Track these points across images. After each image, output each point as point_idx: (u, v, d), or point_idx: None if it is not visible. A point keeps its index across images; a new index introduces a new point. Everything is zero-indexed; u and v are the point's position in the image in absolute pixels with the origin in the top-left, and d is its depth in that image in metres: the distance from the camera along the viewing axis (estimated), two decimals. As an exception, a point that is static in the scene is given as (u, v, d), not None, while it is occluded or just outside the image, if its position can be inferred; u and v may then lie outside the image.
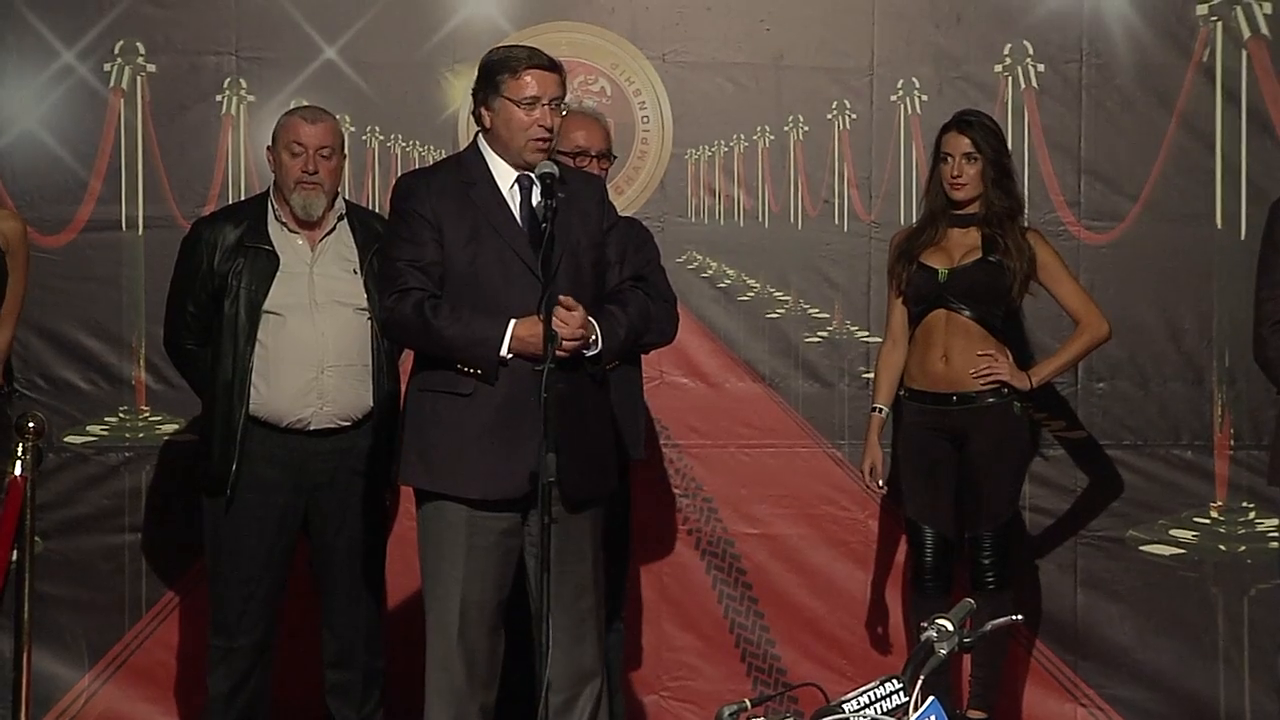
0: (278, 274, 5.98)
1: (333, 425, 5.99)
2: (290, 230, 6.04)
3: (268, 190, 6.15)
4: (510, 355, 5.13)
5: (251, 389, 5.95)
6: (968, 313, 6.35)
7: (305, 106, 6.33)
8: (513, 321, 5.13)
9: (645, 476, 6.84)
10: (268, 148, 6.11)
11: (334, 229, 6.08)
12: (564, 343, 5.06)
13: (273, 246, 6.01)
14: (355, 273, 6.04)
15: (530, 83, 5.21)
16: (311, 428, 5.97)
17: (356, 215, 6.18)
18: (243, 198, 6.74)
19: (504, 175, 5.29)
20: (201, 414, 6.18)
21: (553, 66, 5.27)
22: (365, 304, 5.99)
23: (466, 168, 5.32)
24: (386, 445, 5.92)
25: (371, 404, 6.04)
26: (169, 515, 6.88)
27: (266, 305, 5.95)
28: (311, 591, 6.23)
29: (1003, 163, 6.39)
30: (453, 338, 5.16)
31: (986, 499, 6.34)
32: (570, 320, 5.09)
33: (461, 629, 5.21)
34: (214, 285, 5.98)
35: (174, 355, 6.23)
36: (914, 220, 6.68)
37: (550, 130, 5.25)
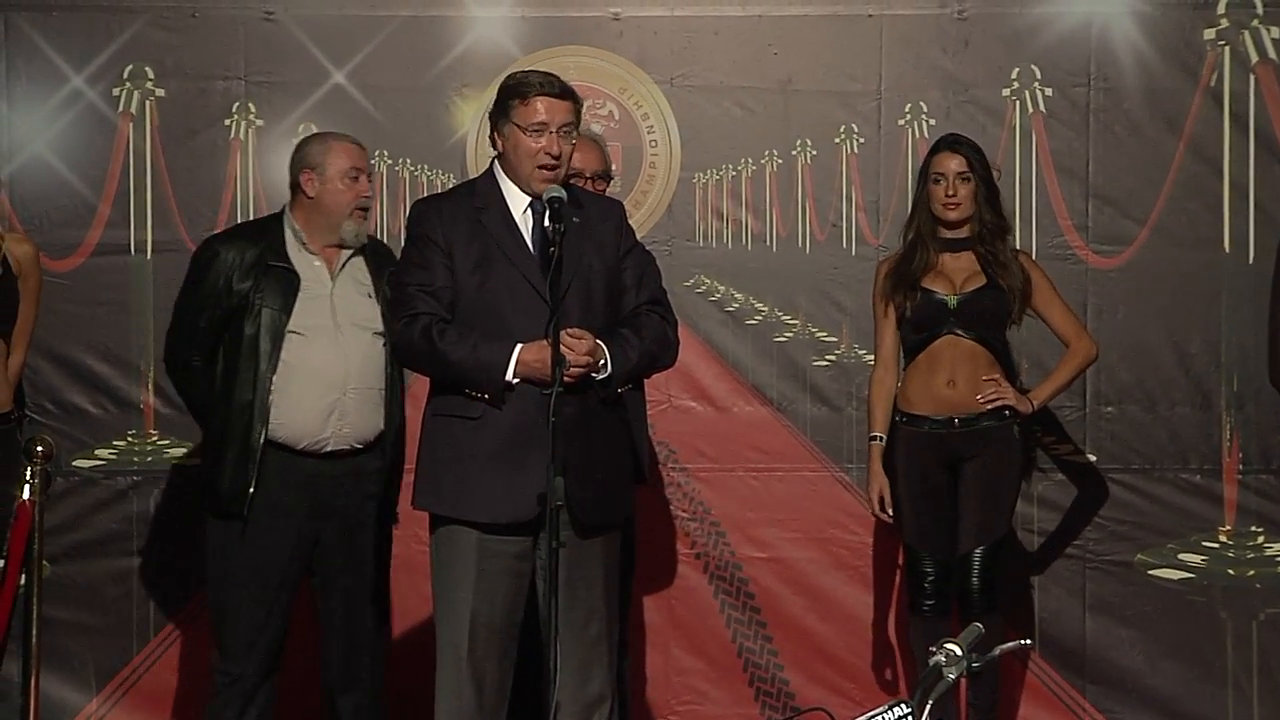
0: (299, 294, 5.91)
1: (347, 447, 5.94)
2: (309, 251, 5.97)
3: (281, 211, 6.07)
4: (516, 380, 5.14)
5: (271, 409, 5.88)
6: (974, 337, 6.35)
7: (339, 133, 6.18)
8: (518, 346, 5.13)
9: (652, 500, 6.84)
10: (306, 169, 5.93)
11: (353, 253, 6.02)
12: (570, 368, 5.06)
13: (292, 266, 5.93)
14: (370, 297, 6.00)
15: (539, 109, 5.21)
16: (328, 449, 5.91)
17: (371, 241, 6.13)
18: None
19: (517, 201, 5.29)
20: (207, 435, 6.07)
21: (565, 94, 5.26)
22: (382, 328, 5.95)
23: (480, 193, 5.32)
24: (395, 469, 5.93)
25: (382, 427, 6.01)
26: (176, 540, 6.87)
27: (290, 325, 5.88)
28: (312, 617, 6.13)
29: (991, 182, 6.41)
30: (458, 362, 5.16)
31: (983, 515, 6.32)
32: (577, 346, 5.09)
33: (471, 652, 5.19)
34: (232, 303, 5.89)
35: (176, 372, 6.10)
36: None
37: (556, 157, 5.23)
